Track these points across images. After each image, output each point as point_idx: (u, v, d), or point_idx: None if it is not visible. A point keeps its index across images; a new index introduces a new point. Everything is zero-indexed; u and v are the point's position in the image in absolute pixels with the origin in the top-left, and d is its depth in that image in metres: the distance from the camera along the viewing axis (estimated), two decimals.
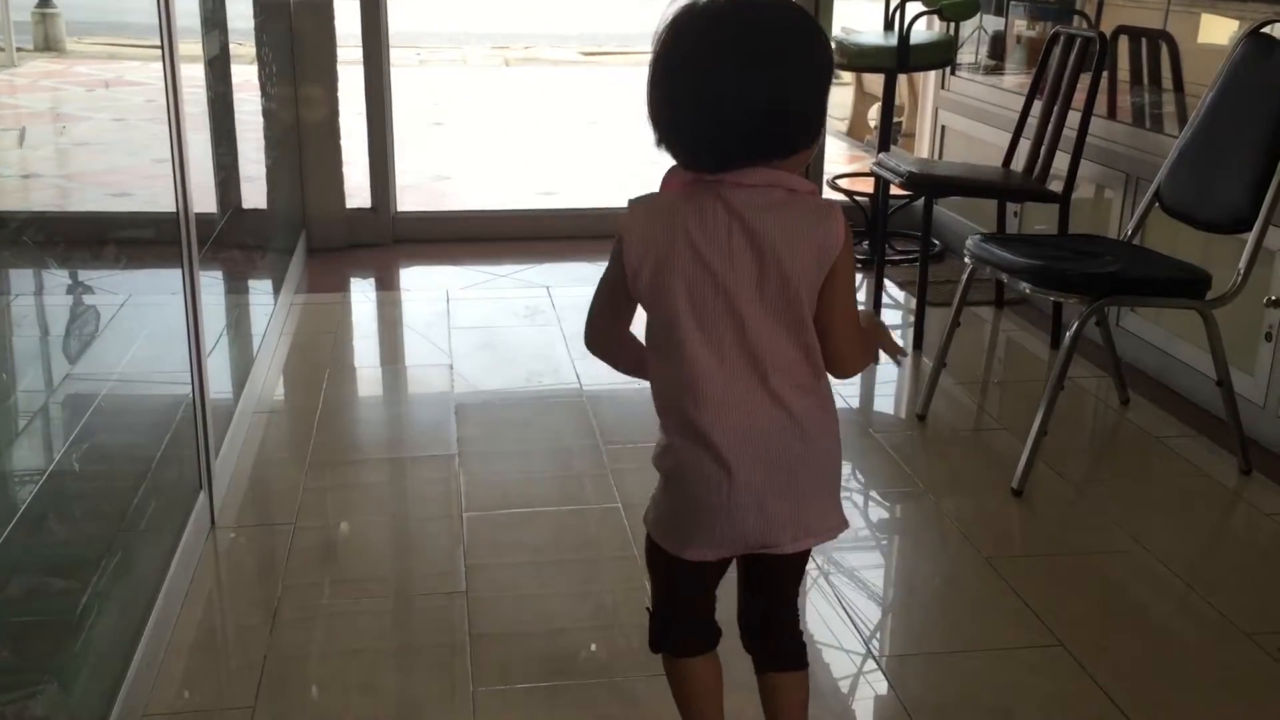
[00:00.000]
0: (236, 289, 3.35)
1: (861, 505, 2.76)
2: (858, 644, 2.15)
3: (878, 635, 2.21)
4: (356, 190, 4.62)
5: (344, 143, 4.51)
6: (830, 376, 1.48)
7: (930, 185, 3.72)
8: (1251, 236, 2.68)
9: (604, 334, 1.55)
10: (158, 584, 2.11)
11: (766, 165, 1.38)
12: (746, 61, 1.34)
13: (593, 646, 2.11)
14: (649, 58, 1.40)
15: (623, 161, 6.46)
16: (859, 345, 1.47)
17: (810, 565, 2.38)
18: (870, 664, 2.10)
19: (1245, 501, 2.75)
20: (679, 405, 1.43)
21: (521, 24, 14.28)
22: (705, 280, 1.39)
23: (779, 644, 1.62)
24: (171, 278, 2.42)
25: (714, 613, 1.63)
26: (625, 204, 1.44)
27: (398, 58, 4.66)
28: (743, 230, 1.38)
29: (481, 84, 9.99)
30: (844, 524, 1.52)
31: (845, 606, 2.25)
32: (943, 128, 4.79)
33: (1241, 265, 2.69)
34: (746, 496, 1.43)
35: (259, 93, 3.88)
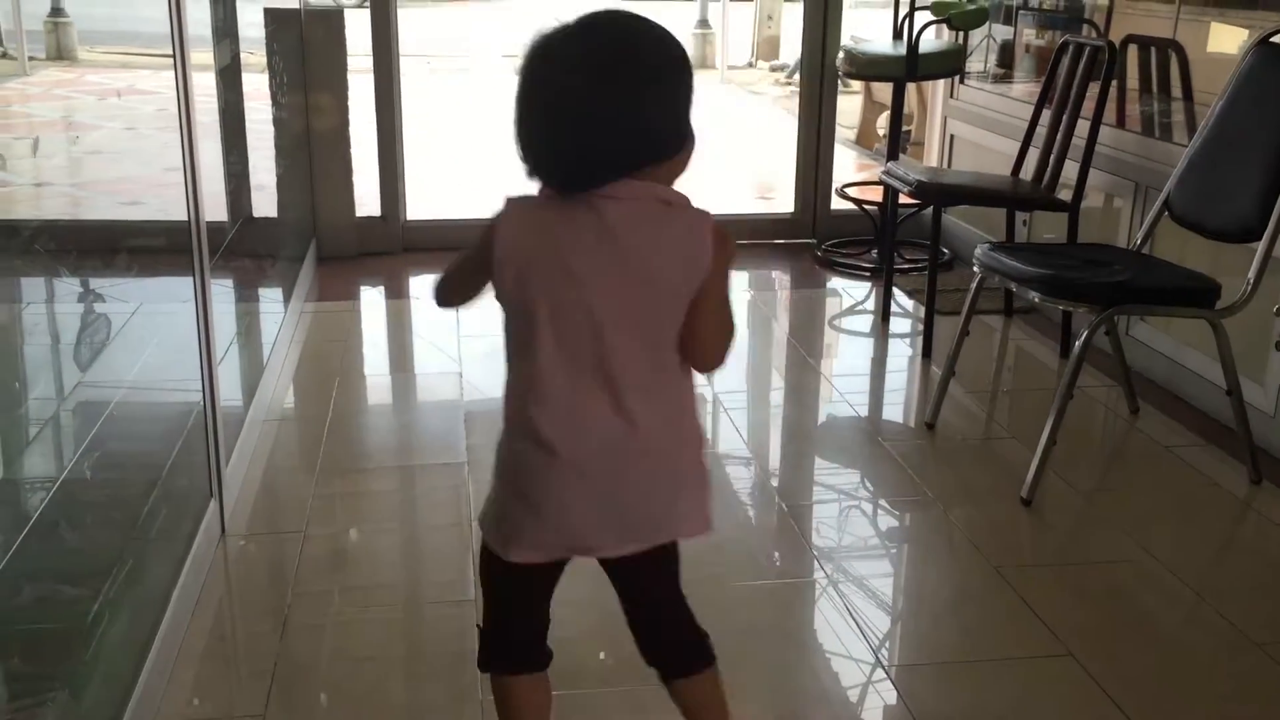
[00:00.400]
0: (247, 297, 3.36)
1: (870, 514, 2.76)
2: (867, 653, 2.15)
3: (887, 644, 2.20)
4: (366, 198, 4.63)
5: (354, 151, 4.52)
6: (696, 376, 1.50)
7: (939, 194, 3.73)
8: (1261, 246, 2.67)
9: (456, 294, 1.58)
10: (168, 592, 2.12)
11: (637, 178, 1.39)
12: (599, 80, 1.35)
13: (600, 655, 2.11)
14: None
15: None
16: (722, 347, 1.49)
17: (819, 574, 2.38)
18: (879, 673, 2.10)
19: (1255, 511, 2.74)
20: (523, 404, 1.45)
21: (529, 34, 14.27)
22: (568, 290, 1.40)
23: (673, 648, 1.62)
24: (182, 286, 2.43)
25: (546, 634, 1.63)
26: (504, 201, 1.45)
27: (408, 67, 4.68)
28: (613, 244, 1.39)
29: (491, 92, 10.02)
30: (688, 530, 1.52)
31: (854, 616, 2.25)
32: (951, 136, 4.79)
33: (1251, 274, 2.68)
34: (572, 500, 1.45)
35: (270, 102, 3.89)
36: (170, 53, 2.32)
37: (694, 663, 1.62)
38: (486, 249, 1.44)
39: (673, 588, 1.60)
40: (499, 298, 1.46)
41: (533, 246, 1.41)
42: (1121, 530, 2.59)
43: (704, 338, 1.46)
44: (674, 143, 1.41)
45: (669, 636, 1.62)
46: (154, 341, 2.48)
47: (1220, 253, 2.98)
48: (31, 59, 2.68)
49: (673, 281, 1.41)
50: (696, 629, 1.62)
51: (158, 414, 2.48)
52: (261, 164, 3.73)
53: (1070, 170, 3.53)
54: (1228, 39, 3.56)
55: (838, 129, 4.94)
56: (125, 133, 3.00)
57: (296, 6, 4.33)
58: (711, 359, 1.49)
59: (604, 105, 1.36)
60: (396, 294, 4.25)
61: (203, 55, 2.93)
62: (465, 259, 1.52)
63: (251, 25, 3.67)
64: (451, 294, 1.59)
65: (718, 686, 1.63)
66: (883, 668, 2.12)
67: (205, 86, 2.90)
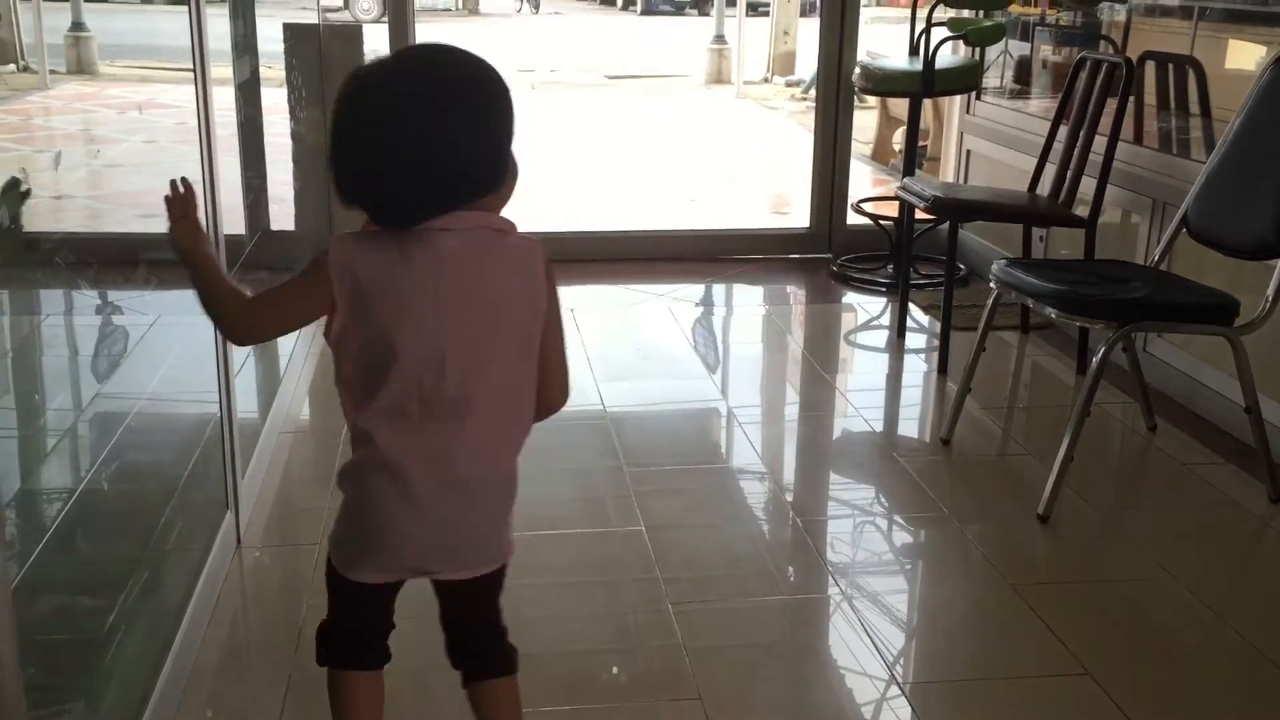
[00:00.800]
0: None
1: (885, 530, 2.75)
2: (881, 670, 2.15)
3: (901, 661, 2.20)
4: None
5: None
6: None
7: (955, 209, 3.72)
8: None
9: (268, 327, 1.60)
10: (184, 603, 2.12)
11: (466, 208, 1.42)
12: (417, 123, 1.37)
13: (614, 669, 2.11)
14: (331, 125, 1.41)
15: (647, 180, 6.49)
16: (565, 379, 1.54)
17: (833, 590, 2.38)
18: (894, 690, 2.09)
19: (1274, 529, 2.73)
20: (369, 439, 1.46)
21: (546, 49, 14.36)
22: (411, 325, 1.42)
23: (482, 656, 1.66)
24: None
25: (388, 635, 1.67)
26: (339, 237, 1.46)
27: None
28: (451, 275, 1.42)
29: None
30: (507, 554, 1.58)
31: (869, 632, 2.24)
32: (968, 152, 4.79)
33: (1270, 291, 2.67)
34: (415, 531, 1.48)
35: (288, 116, 3.92)
36: (190, 67, 2.34)
37: (499, 667, 1.66)
38: (317, 286, 1.44)
39: (496, 606, 1.64)
40: (339, 337, 1.46)
41: (370, 284, 1.42)
42: (1139, 548, 2.58)
43: (552, 371, 1.51)
44: (497, 177, 1.44)
45: (481, 647, 1.66)
46: (172, 353, 2.50)
47: (1239, 270, 2.97)
48: (52, 73, 2.71)
49: (512, 303, 1.45)
50: (507, 642, 1.67)
51: (175, 425, 2.49)
52: (280, 177, 3.75)
53: (1087, 186, 3.52)
54: (1245, 55, 3.56)
55: (853, 144, 4.94)
56: (145, 146, 3.03)
57: (315, 21, 4.36)
58: (560, 394, 1.54)
59: (422, 147, 1.37)
60: None
61: (222, 70, 2.95)
62: (279, 294, 1.50)
63: (271, 40, 3.69)
64: (260, 329, 1.59)
65: (517, 695, 1.67)
66: (897, 684, 2.11)
67: (225, 100, 2.93)
